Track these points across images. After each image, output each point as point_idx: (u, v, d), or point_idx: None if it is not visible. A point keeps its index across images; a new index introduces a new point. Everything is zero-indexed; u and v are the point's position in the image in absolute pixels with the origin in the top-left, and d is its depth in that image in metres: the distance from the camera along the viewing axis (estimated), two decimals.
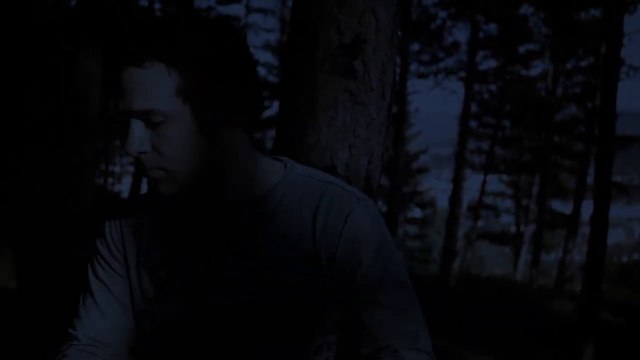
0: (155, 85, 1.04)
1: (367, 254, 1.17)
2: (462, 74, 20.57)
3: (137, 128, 1.07)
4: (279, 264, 1.17)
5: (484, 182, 22.93)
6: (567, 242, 19.14)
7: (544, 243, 22.93)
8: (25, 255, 4.40)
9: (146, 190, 1.34)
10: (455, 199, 17.70)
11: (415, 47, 21.03)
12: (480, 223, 27.01)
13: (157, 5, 14.39)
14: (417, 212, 30.13)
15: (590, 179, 16.20)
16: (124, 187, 23.03)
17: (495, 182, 26.41)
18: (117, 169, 25.44)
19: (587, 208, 12.91)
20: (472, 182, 24.72)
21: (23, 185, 4.39)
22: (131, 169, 22.62)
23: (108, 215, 1.33)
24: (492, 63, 30.17)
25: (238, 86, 1.10)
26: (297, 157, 1.57)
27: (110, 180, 21.00)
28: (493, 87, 22.59)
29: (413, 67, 20.97)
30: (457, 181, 17.71)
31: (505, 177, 25.86)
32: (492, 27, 20.42)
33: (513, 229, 27.04)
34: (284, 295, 1.17)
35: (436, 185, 33.43)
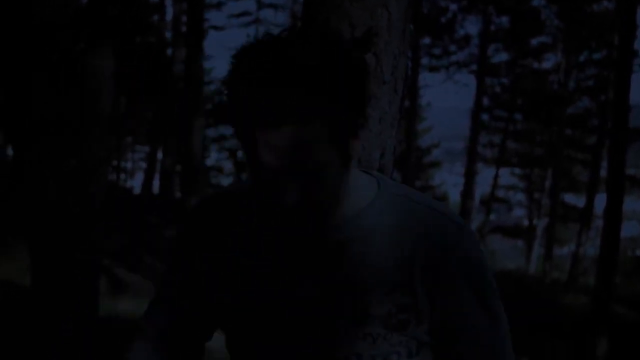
0: (315, 141, 0.97)
1: (476, 293, 1.13)
2: (474, 67, 20.54)
3: (288, 183, 1.00)
4: (365, 290, 1.09)
5: (496, 175, 22.86)
6: (580, 236, 19.04)
7: (556, 236, 22.83)
8: (40, 252, 4.43)
9: (239, 184, 1.26)
10: (467, 192, 17.67)
11: (427, 40, 20.99)
12: (492, 217, 26.93)
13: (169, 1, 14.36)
14: None
15: (603, 172, 16.11)
16: (136, 183, 23.13)
17: (507, 176, 26.32)
18: (129, 165, 25.56)
19: (600, 201, 12.84)
20: (484, 177, 24.66)
21: (36, 184, 4.42)
22: (143, 165, 22.71)
23: (197, 205, 1.27)
24: (504, 56, 30.05)
25: (364, 109, 1.04)
26: None
27: (122, 176, 21.09)
28: (505, 80, 22.53)
29: (424, 60, 20.96)
30: (469, 175, 17.68)
31: (517, 171, 25.77)
32: (504, 20, 20.31)
33: (526, 222, 26.93)
34: (361, 322, 1.09)
35: (448, 180, 33.35)
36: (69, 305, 4.34)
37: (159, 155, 17.57)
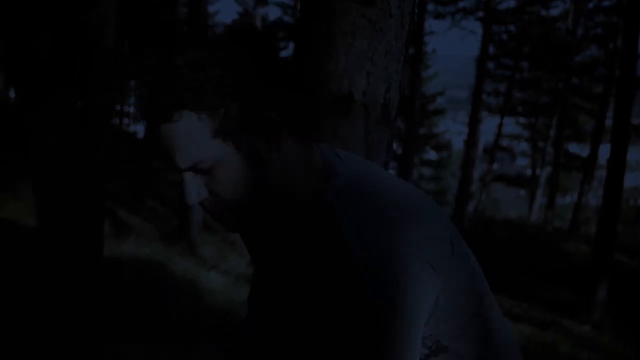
0: (191, 137, 1.01)
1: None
2: (480, 14, 20.20)
3: (190, 180, 1.05)
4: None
5: (501, 124, 22.76)
6: (582, 185, 19.05)
7: (559, 186, 22.85)
8: (45, 194, 4.45)
9: None
10: (471, 140, 17.59)
11: None
12: (495, 166, 26.93)
13: None
14: (432, 155, 30.09)
15: (609, 122, 15.99)
16: (139, 128, 23.08)
17: (512, 125, 26.21)
18: (132, 109, 25.42)
19: (605, 151, 12.79)
20: (489, 125, 24.55)
21: (40, 127, 4.42)
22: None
23: None
24: (511, 3, 29.60)
25: (269, 97, 1.05)
26: (315, 85, 1.55)
27: (125, 120, 21.03)
28: (512, 27, 22.20)
29: (430, 7, 20.59)
30: (474, 123, 17.58)
31: (522, 120, 25.64)
32: None
33: (529, 172, 26.95)
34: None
35: (452, 128, 33.27)
36: (74, 246, 4.37)
37: None
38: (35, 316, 4.12)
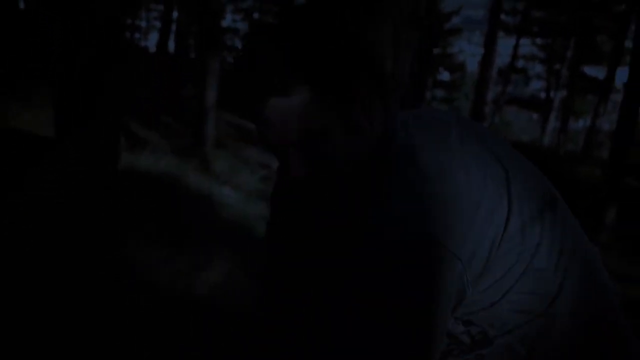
0: (304, 111, 0.97)
1: None
2: None
3: (295, 156, 1.02)
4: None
5: (517, 45, 22.37)
6: (597, 108, 18.86)
7: (573, 110, 22.65)
8: (62, 104, 4.47)
9: None
10: (486, 61, 17.32)
11: None
12: (509, 89, 26.62)
13: None
14: (445, 76, 29.73)
15: (628, 43, 15.68)
16: (150, 43, 22.85)
17: (528, 46, 25.75)
18: (143, 23, 25.07)
19: (622, 75, 12.60)
20: (504, 47, 24.12)
21: (52, 37, 4.39)
22: (158, 24, 22.33)
23: None
24: None
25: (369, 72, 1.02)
26: None
27: (137, 35, 20.79)
28: None
29: None
30: (490, 42, 17.26)
31: (539, 41, 25.16)
32: None
33: (543, 95, 26.65)
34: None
35: (467, 49, 32.73)
36: (92, 156, 4.43)
37: (174, 14, 17.22)
38: (50, 221, 4.20)
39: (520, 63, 26.00)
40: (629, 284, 6.79)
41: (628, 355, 1.08)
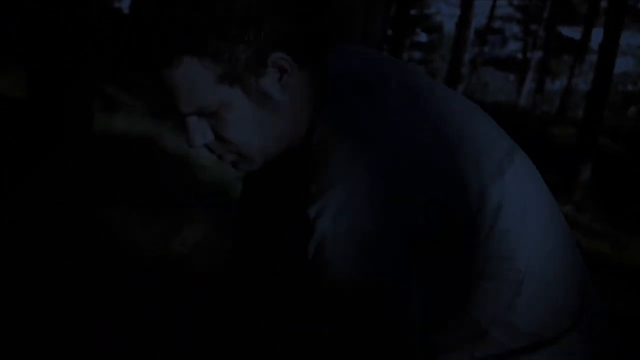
0: (194, 83, 0.94)
1: None
2: None
3: (194, 123, 1.00)
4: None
5: (494, 6, 22.32)
6: (573, 69, 18.95)
7: (550, 71, 22.75)
8: (35, 69, 4.41)
9: None
10: (463, 21, 17.26)
11: None
12: (486, 49, 26.63)
13: None
14: (423, 37, 29.65)
15: (604, 4, 15.71)
16: (124, 5, 22.46)
17: (504, 7, 25.73)
18: None
19: (598, 36, 12.64)
20: (481, 8, 24.06)
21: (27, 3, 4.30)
22: None
23: None
24: None
25: (276, 36, 0.96)
26: None
27: None
28: None
29: None
30: (467, 3, 17.19)
31: (516, 2, 25.15)
32: None
33: (519, 56, 26.72)
34: None
35: (445, 10, 32.54)
36: (66, 118, 4.38)
37: None
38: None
39: (497, 24, 26.01)
40: (600, 242, 6.92)
41: (594, 315, 1.08)
